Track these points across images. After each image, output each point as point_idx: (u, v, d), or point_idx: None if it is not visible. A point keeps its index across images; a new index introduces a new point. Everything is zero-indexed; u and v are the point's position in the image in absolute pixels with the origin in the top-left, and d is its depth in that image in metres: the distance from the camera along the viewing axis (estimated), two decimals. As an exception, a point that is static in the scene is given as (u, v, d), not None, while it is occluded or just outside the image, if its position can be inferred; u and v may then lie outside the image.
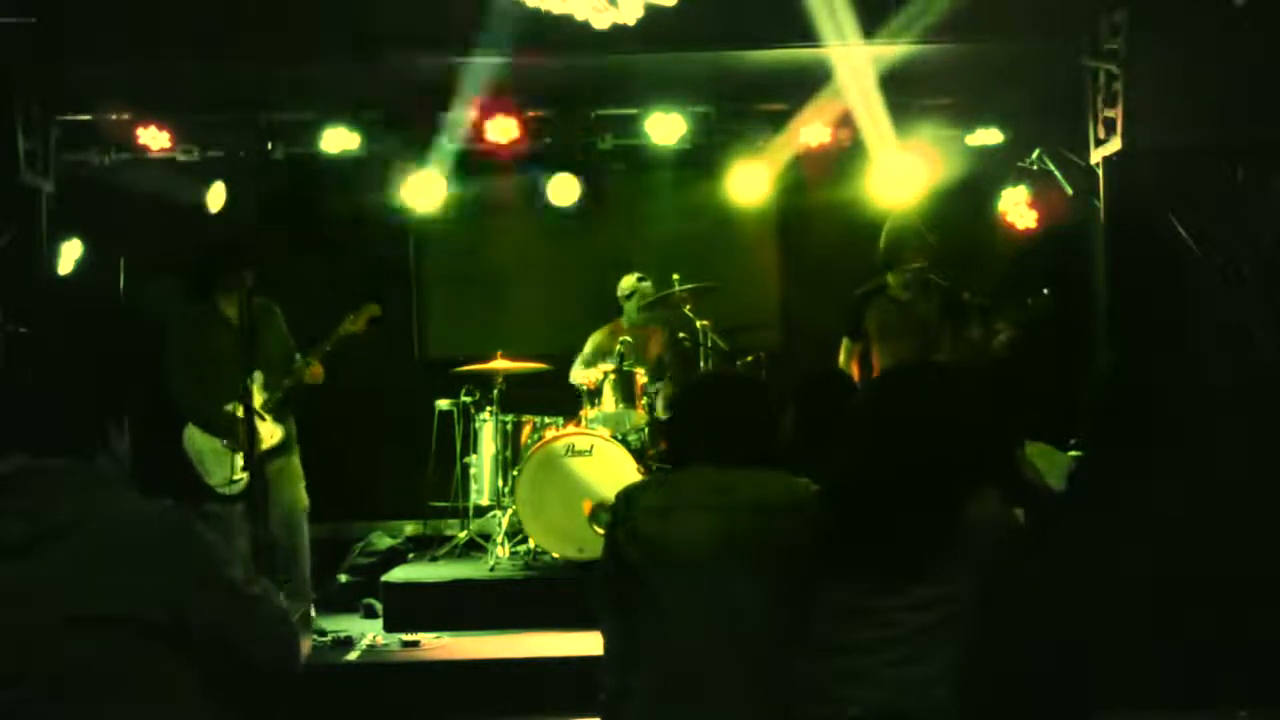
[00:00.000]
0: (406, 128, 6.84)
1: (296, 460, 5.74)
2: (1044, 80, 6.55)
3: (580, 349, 7.11)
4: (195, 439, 5.56)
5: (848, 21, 5.78)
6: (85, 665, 2.04)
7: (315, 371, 5.64)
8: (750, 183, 7.21)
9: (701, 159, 7.28)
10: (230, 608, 2.16)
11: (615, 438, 6.26)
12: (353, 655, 5.39)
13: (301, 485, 5.71)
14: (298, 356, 5.66)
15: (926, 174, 6.91)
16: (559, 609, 5.58)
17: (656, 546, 2.72)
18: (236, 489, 5.45)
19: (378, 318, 5.80)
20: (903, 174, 6.88)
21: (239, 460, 5.43)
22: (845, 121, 6.79)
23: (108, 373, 2.38)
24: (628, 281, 7.08)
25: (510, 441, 6.59)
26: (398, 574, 6.28)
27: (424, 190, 7.09)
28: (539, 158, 7.21)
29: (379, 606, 6.02)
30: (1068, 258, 7.28)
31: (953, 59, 6.26)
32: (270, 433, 5.53)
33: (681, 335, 6.93)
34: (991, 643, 2.43)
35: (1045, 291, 5.56)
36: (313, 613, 5.76)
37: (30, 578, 2.06)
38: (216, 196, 6.66)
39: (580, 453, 6.15)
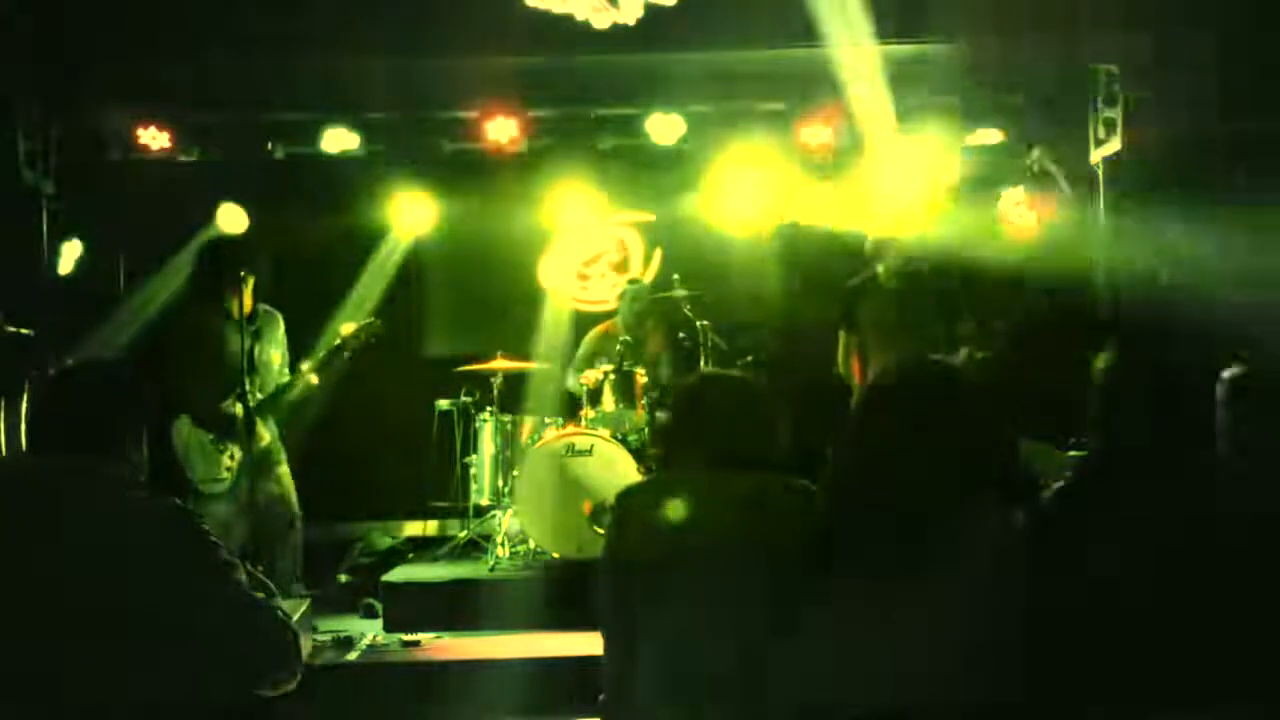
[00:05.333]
0: (407, 128, 6.84)
1: (285, 468, 5.75)
2: (1044, 80, 6.55)
3: (577, 349, 7.13)
4: (183, 432, 5.51)
5: (848, 21, 5.78)
6: (87, 661, 2.04)
7: (310, 380, 5.64)
8: (750, 183, 7.21)
9: (701, 159, 7.29)
10: (231, 611, 2.16)
11: (615, 438, 6.25)
12: (353, 655, 5.38)
13: (291, 491, 5.73)
14: (299, 368, 5.66)
15: (926, 174, 6.91)
16: (559, 609, 5.57)
17: (656, 547, 2.73)
18: (220, 488, 5.44)
19: (379, 334, 5.80)
20: (902, 174, 6.88)
21: (225, 459, 5.43)
22: (845, 121, 6.80)
23: (125, 381, 2.39)
24: (631, 285, 7.11)
25: (510, 441, 6.58)
26: (398, 574, 6.27)
27: (416, 209, 7.17)
28: None
29: (379, 606, 6.01)
30: (1068, 258, 7.29)
31: (953, 59, 6.27)
32: (260, 434, 5.51)
33: (681, 335, 6.93)
34: (991, 642, 2.43)
35: (1043, 297, 5.58)
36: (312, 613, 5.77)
37: (36, 573, 2.07)
38: (232, 219, 6.64)
39: (580, 453, 6.14)
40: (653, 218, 8.06)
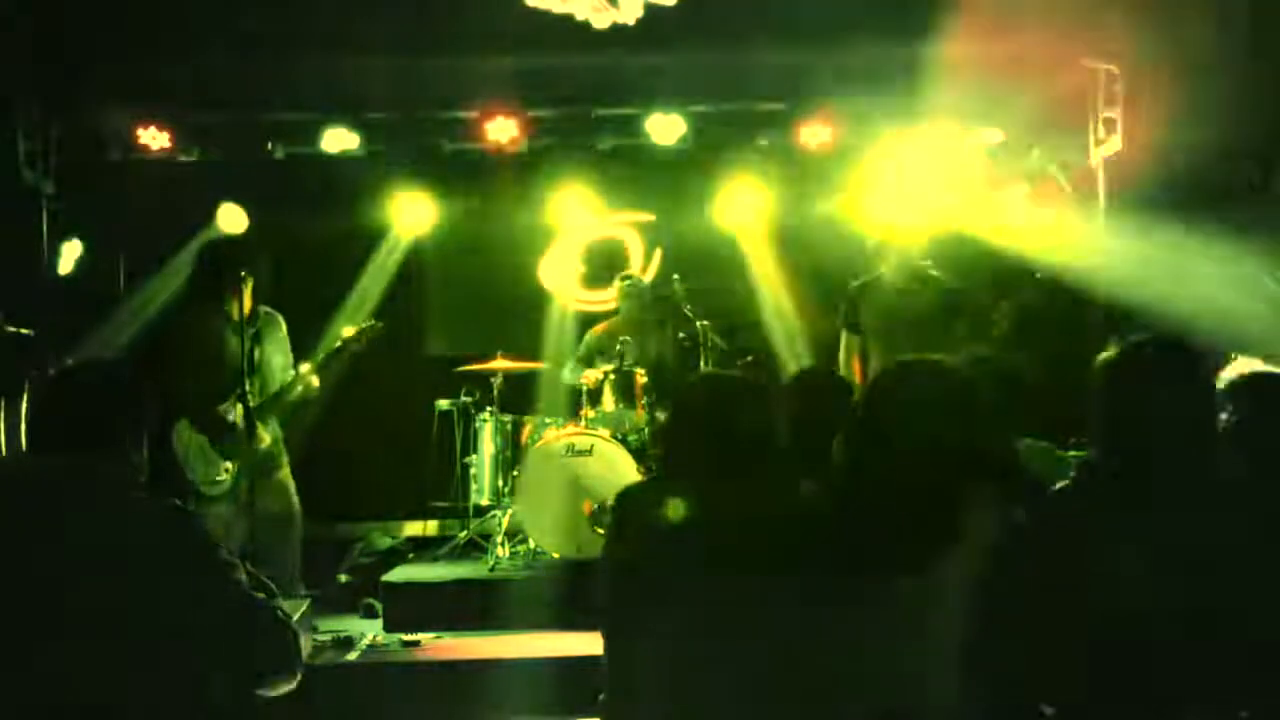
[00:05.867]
0: (407, 128, 6.85)
1: (287, 469, 5.76)
2: (1044, 80, 6.55)
3: (577, 349, 7.14)
4: (184, 434, 5.49)
5: (849, 21, 5.78)
6: (88, 661, 2.05)
7: (311, 383, 5.63)
8: (750, 183, 7.21)
9: (701, 159, 7.29)
10: (231, 611, 2.16)
11: (615, 438, 6.26)
12: (353, 655, 5.38)
13: (292, 492, 5.73)
14: (298, 369, 5.66)
15: (926, 173, 6.91)
16: (559, 609, 5.58)
17: (656, 548, 2.73)
18: (219, 490, 5.43)
19: (379, 336, 5.80)
20: (902, 173, 6.88)
21: (225, 460, 5.43)
22: (845, 121, 6.80)
23: (125, 381, 2.39)
24: (624, 281, 7.11)
25: (510, 441, 6.59)
26: (398, 574, 6.27)
27: (416, 209, 7.21)
28: None
29: (379, 606, 6.01)
30: (1067, 258, 7.29)
31: (955, 59, 6.27)
32: (260, 436, 5.50)
33: (681, 335, 6.93)
34: (990, 640, 2.43)
35: (1036, 275, 5.58)
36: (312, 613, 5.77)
37: (36, 573, 2.07)
38: (232, 219, 6.63)
39: (580, 453, 6.14)
40: (653, 218, 8.06)
